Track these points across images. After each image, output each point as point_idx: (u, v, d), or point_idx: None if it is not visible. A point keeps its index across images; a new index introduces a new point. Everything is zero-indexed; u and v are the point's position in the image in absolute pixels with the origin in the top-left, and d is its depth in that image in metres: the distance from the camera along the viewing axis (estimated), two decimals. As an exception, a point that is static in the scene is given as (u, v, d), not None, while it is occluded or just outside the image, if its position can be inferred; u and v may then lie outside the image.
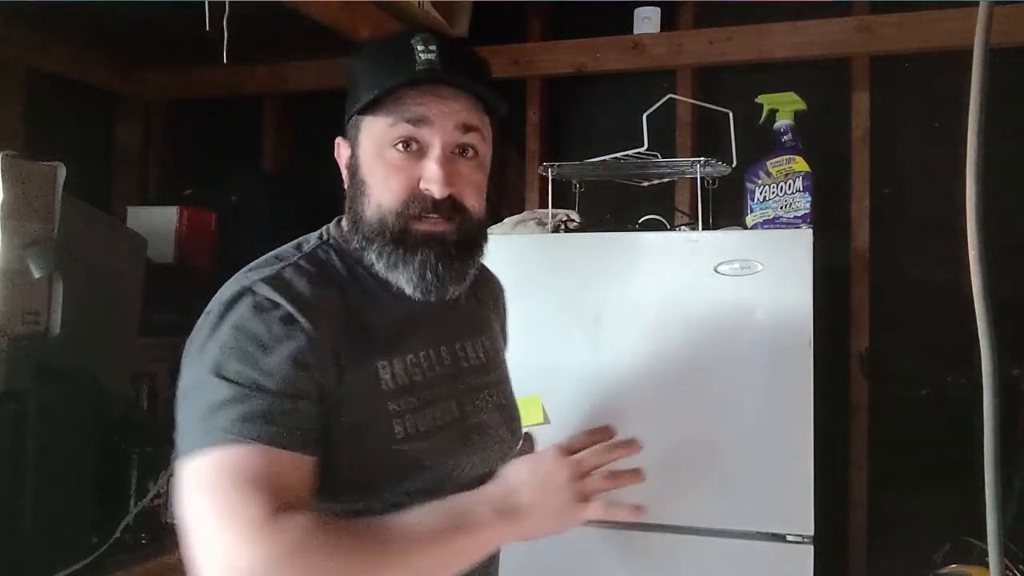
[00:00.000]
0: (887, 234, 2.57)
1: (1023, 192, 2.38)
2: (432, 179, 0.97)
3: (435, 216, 0.98)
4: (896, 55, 2.55)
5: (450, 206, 0.99)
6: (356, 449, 0.94)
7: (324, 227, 1.08)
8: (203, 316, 0.94)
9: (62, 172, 2.02)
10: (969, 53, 0.60)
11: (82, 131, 2.98)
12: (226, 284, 0.96)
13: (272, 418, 0.85)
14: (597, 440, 1.03)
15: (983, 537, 0.62)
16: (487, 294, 1.26)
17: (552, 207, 2.28)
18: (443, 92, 0.98)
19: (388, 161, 0.98)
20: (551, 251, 2.18)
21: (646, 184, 2.46)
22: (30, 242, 1.93)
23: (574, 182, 2.42)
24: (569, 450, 0.97)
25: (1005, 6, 2.25)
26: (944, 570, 2.00)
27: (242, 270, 0.98)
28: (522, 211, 2.46)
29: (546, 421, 2.03)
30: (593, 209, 2.40)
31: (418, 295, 1.00)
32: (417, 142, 0.98)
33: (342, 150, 1.06)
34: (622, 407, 2.05)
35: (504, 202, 2.88)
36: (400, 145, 0.98)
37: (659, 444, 2.05)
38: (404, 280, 0.99)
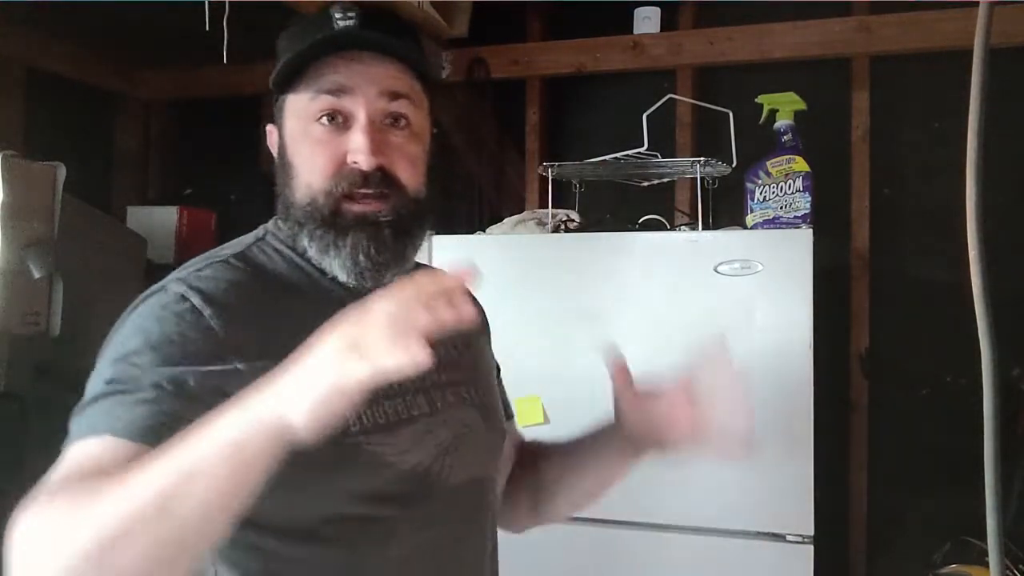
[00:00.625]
0: (887, 234, 2.57)
1: (1023, 192, 2.38)
2: (358, 149, 0.90)
3: (366, 191, 0.91)
4: (896, 55, 2.55)
5: (380, 179, 0.91)
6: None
7: (263, 225, 1.02)
8: None
9: (62, 172, 2.02)
10: (969, 53, 0.60)
11: (82, 131, 2.98)
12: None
13: (133, 411, 0.77)
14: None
15: (983, 537, 0.62)
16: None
17: (552, 207, 2.28)
18: (365, 58, 0.92)
19: (312, 137, 0.92)
20: (551, 251, 2.18)
21: (646, 184, 2.46)
22: (30, 242, 1.93)
23: (574, 182, 2.42)
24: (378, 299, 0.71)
25: (1005, 6, 2.25)
26: (944, 570, 2.00)
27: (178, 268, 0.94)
28: (522, 211, 2.47)
29: (546, 421, 2.03)
30: (593, 209, 2.40)
31: (352, 281, 0.93)
32: (342, 114, 0.92)
33: (273, 137, 0.99)
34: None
35: (504, 202, 2.89)
36: (324, 119, 0.91)
37: (659, 444, 2.06)
38: (337, 266, 0.92)
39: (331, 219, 0.91)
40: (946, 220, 2.36)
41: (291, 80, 0.94)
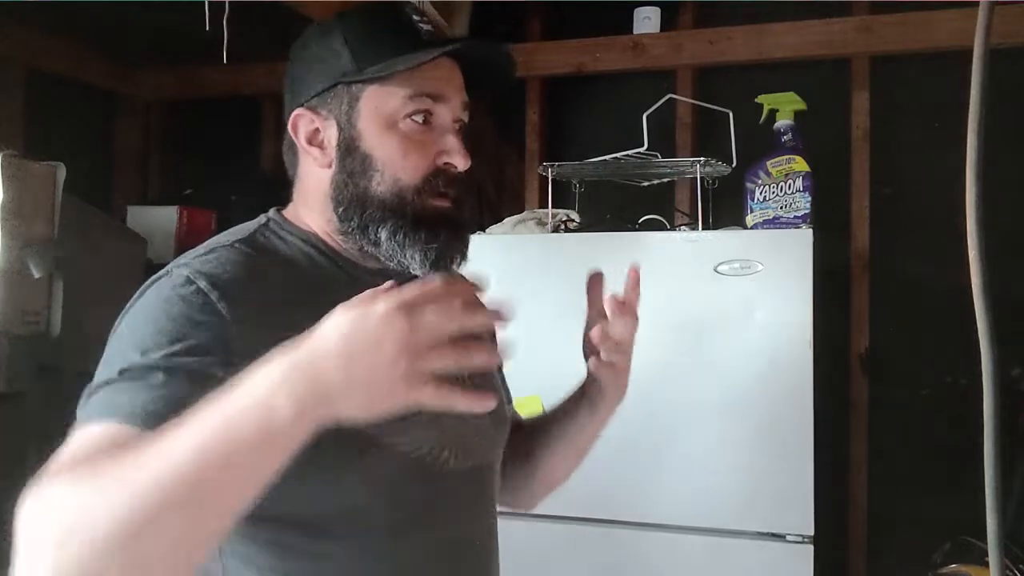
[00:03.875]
0: (887, 234, 2.57)
1: (1023, 192, 2.38)
2: (455, 151, 0.96)
3: (451, 191, 0.97)
4: (896, 55, 2.56)
5: (465, 180, 0.98)
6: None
7: (263, 215, 1.03)
8: None
9: (62, 172, 2.02)
10: (969, 53, 0.60)
11: (82, 131, 2.98)
12: None
13: (139, 397, 0.76)
14: (456, 293, 0.72)
15: (983, 537, 0.62)
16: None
17: (552, 207, 2.28)
18: (450, 66, 0.98)
19: (403, 134, 0.95)
20: (551, 251, 2.18)
21: (646, 184, 2.46)
22: (30, 242, 1.93)
23: (574, 182, 2.42)
24: (411, 305, 0.69)
25: (1005, 6, 2.25)
26: (944, 570, 2.00)
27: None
28: (522, 211, 2.47)
29: (546, 421, 2.03)
30: (593, 209, 2.40)
31: (425, 271, 0.97)
32: (431, 115, 0.96)
33: (310, 123, 0.99)
34: (621, 407, 2.05)
35: (504, 202, 2.89)
36: (418, 116, 0.95)
37: (659, 444, 2.06)
38: (416, 259, 0.96)
39: (419, 215, 0.95)
40: (946, 220, 2.36)
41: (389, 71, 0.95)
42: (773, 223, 2.15)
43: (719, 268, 1.98)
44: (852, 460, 2.54)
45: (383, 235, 0.95)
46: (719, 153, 2.26)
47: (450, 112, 0.97)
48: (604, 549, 2.03)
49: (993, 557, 0.61)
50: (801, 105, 2.25)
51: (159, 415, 0.73)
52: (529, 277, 2.13)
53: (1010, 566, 1.83)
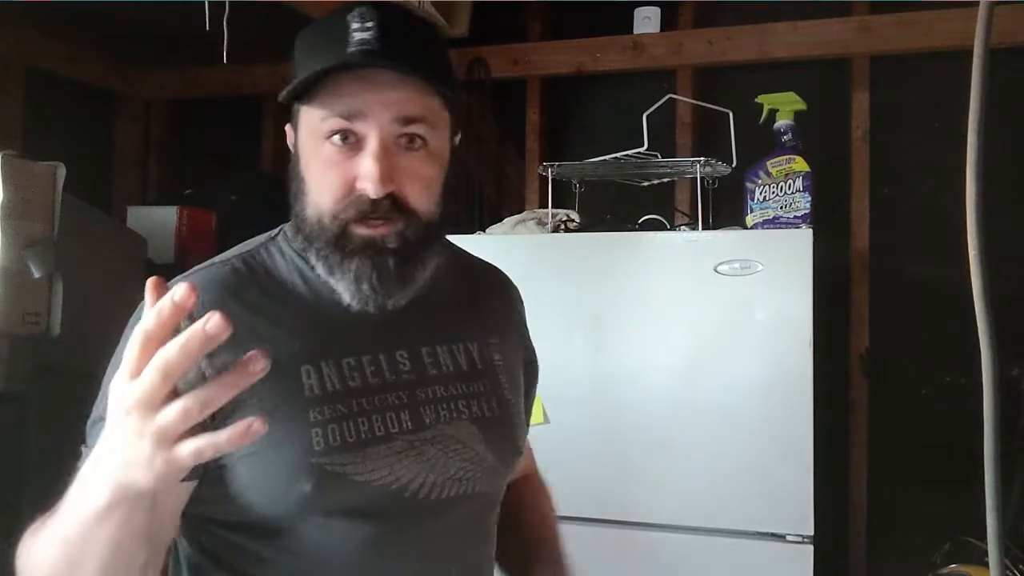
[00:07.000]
0: (887, 234, 2.57)
1: (1023, 192, 2.38)
2: (367, 176, 0.87)
3: (375, 218, 0.88)
4: (896, 55, 2.56)
5: (389, 206, 0.88)
6: (272, 462, 0.86)
7: (282, 225, 1.01)
8: None
9: (62, 172, 2.02)
10: (969, 53, 0.60)
11: (82, 131, 2.98)
12: None
13: None
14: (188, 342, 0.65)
15: (983, 537, 0.62)
16: (492, 297, 1.17)
17: (552, 207, 2.28)
18: (380, 78, 0.87)
19: (323, 157, 0.89)
20: (551, 251, 2.18)
21: (646, 184, 2.46)
22: (30, 242, 1.93)
23: (574, 182, 2.42)
24: (146, 405, 0.65)
25: (1005, 6, 2.25)
26: (944, 570, 2.00)
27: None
28: (522, 211, 2.47)
29: (546, 421, 2.03)
30: (593, 209, 2.40)
31: (355, 305, 0.91)
32: (355, 134, 0.88)
33: (291, 139, 0.98)
34: (622, 407, 2.05)
35: (504, 202, 2.89)
36: (336, 138, 0.88)
37: (659, 444, 2.06)
38: (342, 288, 0.91)
39: (337, 241, 0.89)
40: (946, 220, 2.36)
41: (301, 91, 0.91)
42: (773, 223, 2.15)
43: (719, 268, 1.98)
44: (852, 460, 2.54)
45: (313, 259, 0.92)
46: (719, 153, 2.27)
47: (375, 129, 0.87)
48: (604, 549, 2.03)
49: (993, 557, 0.61)
50: (801, 105, 2.25)
51: None
52: (529, 277, 2.11)
53: (1010, 566, 1.83)
